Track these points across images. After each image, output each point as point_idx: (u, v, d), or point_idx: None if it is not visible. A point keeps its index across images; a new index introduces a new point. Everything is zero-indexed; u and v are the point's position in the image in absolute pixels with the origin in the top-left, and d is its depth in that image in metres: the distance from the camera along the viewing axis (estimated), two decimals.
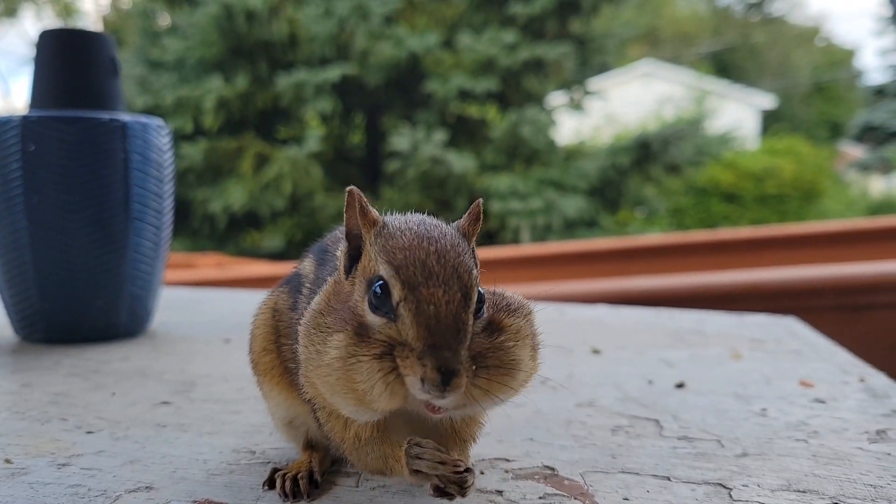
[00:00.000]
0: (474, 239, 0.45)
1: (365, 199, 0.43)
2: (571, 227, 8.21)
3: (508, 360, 0.41)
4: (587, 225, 8.47)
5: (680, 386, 0.79)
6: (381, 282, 0.41)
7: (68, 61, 0.96)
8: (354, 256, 0.45)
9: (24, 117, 0.92)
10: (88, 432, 0.63)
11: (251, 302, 1.45)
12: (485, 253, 3.51)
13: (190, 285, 2.07)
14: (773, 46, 21.65)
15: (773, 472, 0.53)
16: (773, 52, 21.67)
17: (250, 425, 0.65)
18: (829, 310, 1.68)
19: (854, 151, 16.11)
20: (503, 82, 8.79)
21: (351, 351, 0.40)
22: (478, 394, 0.40)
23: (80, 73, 0.96)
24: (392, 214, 0.46)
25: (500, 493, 0.50)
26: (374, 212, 0.44)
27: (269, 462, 0.56)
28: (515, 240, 8.01)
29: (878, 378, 0.81)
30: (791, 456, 0.57)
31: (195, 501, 0.49)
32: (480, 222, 0.45)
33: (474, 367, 0.39)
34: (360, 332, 0.41)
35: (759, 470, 0.54)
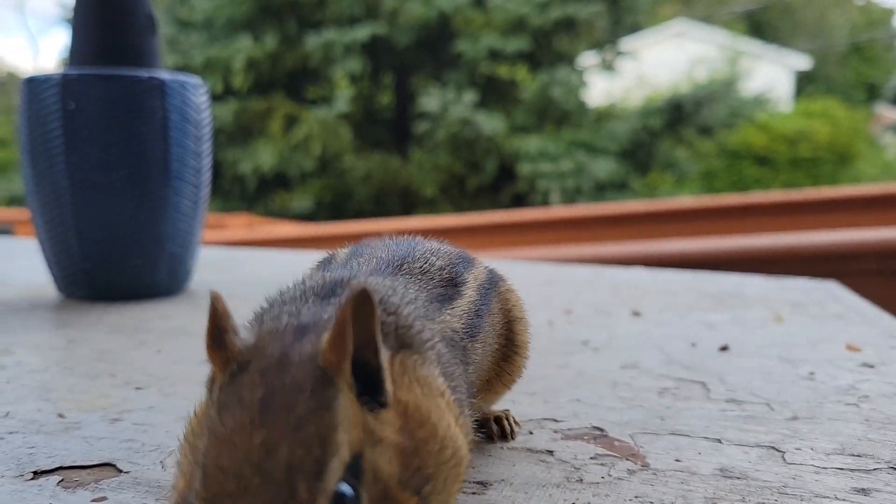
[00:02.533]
0: (344, 366, 0.28)
1: (228, 317, 0.30)
2: (601, 190, 8.15)
3: None
4: (617, 188, 8.40)
5: (724, 349, 0.78)
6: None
7: (106, 18, 0.95)
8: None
9: (64, 75, 0.92)
10: (137, 388, 0.64)
11: (287, 262, 1.46)
12: (515, 215, 3.49)
13: (221, 245, 2.09)
14: (809, 5, 21.10)
15: (826, 435, 0.53)
16: (809, 11, 21.12)
17: None
18: (869, 274, 1.65)
19: (891, 114, 15.74)
20: (534, 42, 8.67)
21: None
22: None
23: (117, 30, 0.95)
24: (266, 329, 0.32)
25: (550, 452, 0.50)
26: (236, 342, 0.30)
27: None
28: (545, 202, 7.96)
29: None
30: (842, 420, 0.56)
31: None
32: (348, 339, 0.28)
33: None
34: None
35: (811, 434, 0.53)
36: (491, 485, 0.45)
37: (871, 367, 0.71)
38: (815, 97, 14.52)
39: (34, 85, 0.93)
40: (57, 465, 0.48)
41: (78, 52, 0.96)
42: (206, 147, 1.02)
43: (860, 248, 1.68)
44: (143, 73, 0.94)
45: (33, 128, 0.93)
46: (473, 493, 0.44)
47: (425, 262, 0.45)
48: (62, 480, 0.47)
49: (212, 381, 0.31)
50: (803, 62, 17.13)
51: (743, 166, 11.93)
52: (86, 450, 0.51)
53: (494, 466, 0.48)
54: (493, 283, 0.49)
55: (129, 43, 0.96)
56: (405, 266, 0.44)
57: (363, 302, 0.28)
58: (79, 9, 0.97)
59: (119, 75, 0.93)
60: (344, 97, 8.87)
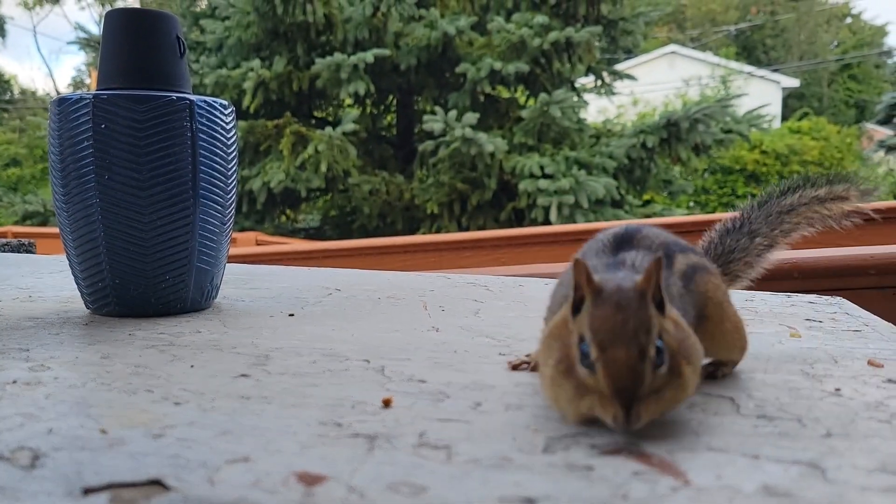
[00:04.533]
0: (652, 295, 0.55)
1: (590, 270, 0.55)
2: (599, 207, 8.19)
3: (677, 389, 0.56)
4: (614, 205, 8.44)
5: (745, 364, 0.78)
6: (584, 343, 0.54)
7: (136, 40, 0.97)
8: (578, 305, 0.57)
9: (95, 95, 0.94)
10: (176, 404, 0.64)
11: (305, 277, 1.47)
12: (517, 231, 3.51)
13: (232, 261, 2.09)
14: (799, 25, 21.26)
15: (864, 452, 0.53)
16: (800, 31, 21.28)
17: (331, 398, 0.66)
18: (872, 289, 1.67)
19: (881, 132, 15.84)
20: (534, 64, 8.76)
21: (558, 380, 0.57)
22: (654, 412, 0.55)
23: (147, 52, 0.97)
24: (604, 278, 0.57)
25: (590, 468, 0.51)
26: (596, 280, 0.56)
27: (357, 435, 0.57)
28: (546, 218, 8.00)
29: None
30: (878, 437, 0.56)
31: (294, 473, 0.50)
32: (655, 281, 0.55)
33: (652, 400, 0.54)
34: (568, 368, 0.56)
35: (849, 451, 0.54)
36: (538, 501, 0.46)
37: None
38: (805, 115, 14.61)
39: (65, 105, 0.95)
40: (106, 483, 0.49)
41: (108, 74, 0.97)
42: (233, 167, 1.04)
43: (863, 264, 1.69)
44: (173, 95, 0.96)
45: (64, 147, 0.94)
46: None
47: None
48: (113, 499, 0.47)
49: (579, 301, 0.56)
50: (793, 81, 17.25)
51: (735, 183, 11.99)
52: (132, 467, 0.51)
53: (537, 482, 0.48)
54: (695, 269, 0.70)
55: (159, 65, 0.97)
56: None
57: (658, 263, 0.54)
58: (108, 31, 0.98)
59: (149, 96, 0.94)
60: (350, 117, 8.94)
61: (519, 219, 8.44)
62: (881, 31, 23.04)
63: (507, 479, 0.49)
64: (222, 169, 1.00)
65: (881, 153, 14.66)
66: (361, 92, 8.87)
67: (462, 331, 0.97)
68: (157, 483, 0.49)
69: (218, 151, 0.99)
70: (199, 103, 0.97)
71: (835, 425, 0.59)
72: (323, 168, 8.33)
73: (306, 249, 2.84)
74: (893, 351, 0.85)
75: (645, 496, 0.46)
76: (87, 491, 0.48)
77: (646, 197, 10.14)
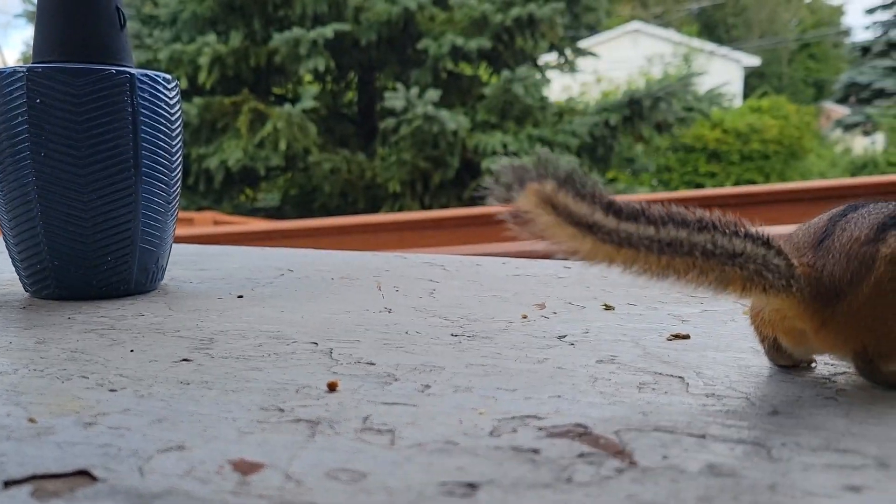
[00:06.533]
0: None
1: None
2: None
3: None
4: None
5: (698, 342, 0.78)
6: None
7: (73, 12, 0.93)
8: None
9: (30, 69, 0.90)
10: (111, 390, 0.62)
11: (258, 257, 1.44)
12: (480, 210, 3.50)
13: (188, 242, 2.06)
14: (759, 4, 21.48)
15: (809, 430, 0.53)
16: (759, 10, 21.51)
17: (275, 383, 0.65)
18: None
19: (839, 111, 16.13)
20: (496, 40, 8.72)
21: None
22: None
23: (85, 24, 0.93)
24: None
25: (536, 451, 0.50)
26: None
27: (299, 420, 0.56)
28: None
29: None
30: (823, 414, 0.56)
31: (229, 461, 0.48)
32: None
33: None
34: None
35: (794, 428, 0.53)
36: (480, 486, 0.45)
37: None
38: (766, 95, 14.81)
39: None
40: (29, 474, 0.46)
41: (44, 46, 0.93)
42: (177, 143, 1.01)
43: None
44: (112, 69, 0.92)
45: None
46: (463, 496, 0.44)
47: None
48: (35, 491, 0.45)
49: None
50: (754, 60, 17.46)
51: (697, 161, 12.14)
52: (59, 457, 0.49)
53: (481, 466, 0.47)
54: None
55: (98, 37, 0.93)
56: None
57: None
58: (44, 1, 0.94)
59: (87, 69, 0.91)
60: (310, 94, 8.83)
61: (483, 198, 8.40)
62: (839, 11, 23.39)
63: (451, 464, 0.48)
64: (166, 146, 0.97)
65: (839, 132, 14.93)
66: (321, 68, 8.76)
67: (415, 311, 0.96)
68: (84, 474, 0.47)
69: (161, 127, 0.96)
70: (141, 77, 0.94)
71: (782, 403, 0.59)
72: (282, 146, 8.23)
73: (265, 229, 2.81)
74: None
75: (589, 479, 0.46)
76: (8, 483, 0.46)
77: (609, 175, 10.21)
